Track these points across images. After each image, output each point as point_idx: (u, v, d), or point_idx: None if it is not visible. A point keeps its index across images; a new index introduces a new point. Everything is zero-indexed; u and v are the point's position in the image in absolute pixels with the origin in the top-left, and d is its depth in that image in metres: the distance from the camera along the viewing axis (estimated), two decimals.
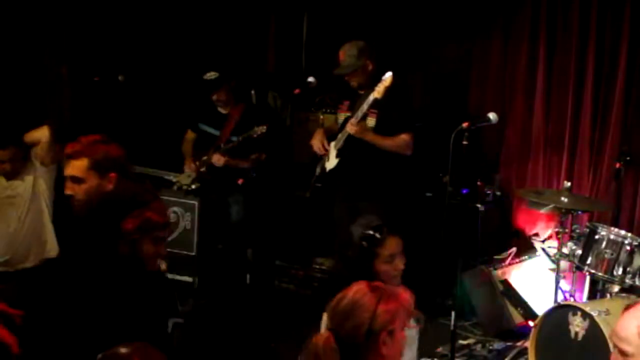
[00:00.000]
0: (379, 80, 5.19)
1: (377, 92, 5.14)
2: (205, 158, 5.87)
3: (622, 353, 2.83)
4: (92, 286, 2.74)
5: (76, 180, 3.30)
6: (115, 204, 2.85)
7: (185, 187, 5.97)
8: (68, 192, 3.34)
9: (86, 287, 2.74)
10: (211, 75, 5.71)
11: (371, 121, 5.35)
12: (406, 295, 2.62)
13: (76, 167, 3.33)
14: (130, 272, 2.80)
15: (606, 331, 4.26)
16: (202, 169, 5.90)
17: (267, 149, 5.80)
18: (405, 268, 3.41)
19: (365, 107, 5.24)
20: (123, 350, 2.20)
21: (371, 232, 3.39)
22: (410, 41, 6.55)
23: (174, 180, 6.09)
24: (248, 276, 6.09)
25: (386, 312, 2.50)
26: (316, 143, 5.63)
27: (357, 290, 2.54)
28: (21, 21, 6.54)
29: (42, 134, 4.76)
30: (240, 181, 5.81)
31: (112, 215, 2.80)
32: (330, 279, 3.62)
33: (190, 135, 6.07)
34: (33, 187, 4.81)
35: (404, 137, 5.35)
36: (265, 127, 5.54)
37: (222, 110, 5.86)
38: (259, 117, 5.79)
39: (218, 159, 5.76)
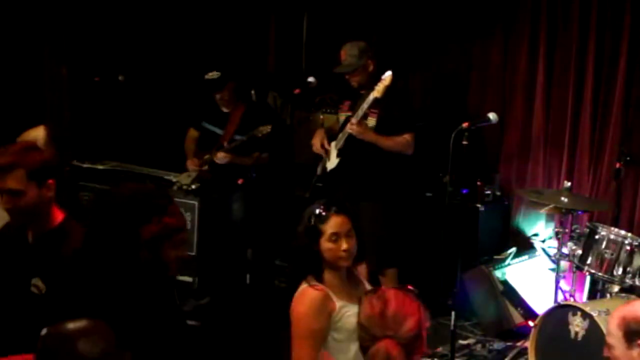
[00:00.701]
0: (379, 80, 5.20)
1: (377, 92, 5.15)
2: (207, 157, 5.87)
3: (607, 345, 3.01)
4: (116, 296, 2.71)
5: (14, 193, 2.98)
6: (133, 212, 2.79)
7: (185, 187, 5.97)
8: (6, 206, 3.04)
9: (110, 297, 2.70)
10: (213, 74, 5.72)
11: (372, 121, 5.35)
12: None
13: (12, 179, 2.98)
14: (154, 279, 2.79)
15: (606, 331, 4.27)
16: (204, 167, 5.90)
17: (270, 148, 5.80)
18: (352, 250, 3.29)
19: (365, 106, 5.24)
20: (70, 326, 2.20)
21: (317, 211, 3.34)
22: (410, 41, 6.55)
23: (174, 180, 6.09)
24: (248, 276, 6.10)
25: (425, 313, 2.60)
26: (317, 143, 5.64)
27: (397, 295, 2.59)
28: (21, 21, 6.54)
29: (37, 133, 4.75)
30: (240, 181, 5.81)
31: (131, 224, 2.75)
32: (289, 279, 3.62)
33: (192, 133, 6.07)
34: None
35: (406, 136, 5.36)
36: (269, 127, 5.56)
37: (225, 109, 5.86)
38: (261, 116, 5.80)
39: (222, 157, 5.76)
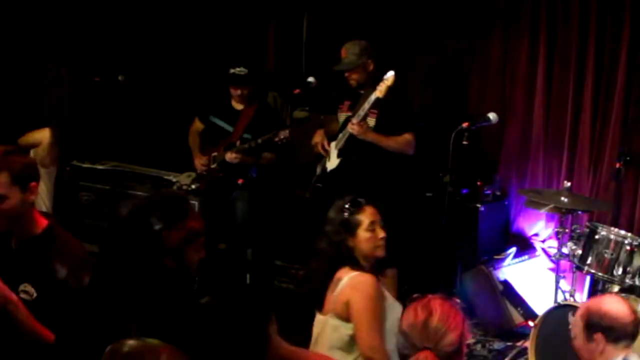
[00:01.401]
0: (378, 80, 5.20)
1: (379, 92, 5.14)
2: (215, 154, 5.81)
3: (572, 334, 3.07)
4: (142, 300, 2.69)
5: None
6: (159, 218, 2.78)
7: (185, 187, 5.96)
8: None
9: (135, 301, 2.69)
10: (241, 70, 5.67)
11: (371, 121, 5.35)
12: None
13: None
14: (179, 284, 2.79)
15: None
16: (213, 165, 5.85)
17: (277, 149, 5.75)
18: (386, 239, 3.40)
19: (366, 106, 5.24)
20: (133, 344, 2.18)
21: (349, 204, 3.40)
22: (410, 41, 6.55)
23: (174, 180, 6.08)
24: (248, 276, 6.09)
25: (468, 327, 2.57)
26: (316, 145, 5.64)
27: (442, 306, 2.54)
28: (21, 22, 6.54)
29: (43, 135, 4.76)
30: (240, 181, 5.80)
31: (157, 230, 2.75)
32: (309, 274, 3.61)
33: (197, 126, 5.97)
34: None
35: (407, 136, 5.36)
36: (288, 132, 5.48)
37: (238, 106, 5.82)
38: (273, 118, 5.77)
39: (234, 157, 5.70)
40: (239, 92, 5.71)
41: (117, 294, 2.71)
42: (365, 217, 3.40)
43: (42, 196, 4.79)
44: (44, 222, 3.07)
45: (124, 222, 2.86)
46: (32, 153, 4.74)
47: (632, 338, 3.27)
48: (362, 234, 3.37)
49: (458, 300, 2.69)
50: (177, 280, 2.76)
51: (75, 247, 3.10)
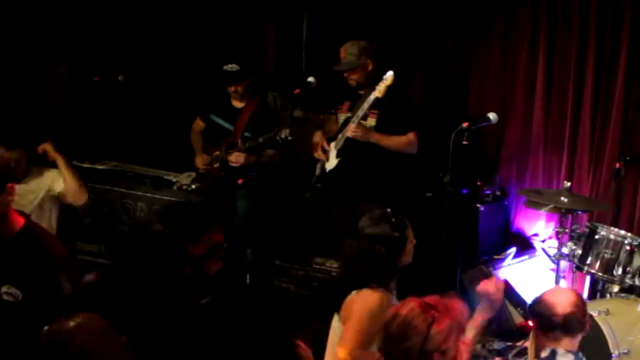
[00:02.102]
0: (377, 80, 5.20)
1: (379, 92, 5.14)
2: (217, 153, 5.79)
3: None
4: (161, 309, 2.73)
5: None
6: (187, 231, 2.84)
7: (185, 187, 5.96)
8: None
9: (154, 311, 2.73)
10: (233, 67, 5.66)
11: (371, 121, 5.35)
12: (459, 307, 2.61)
13: None
14: (195, 292, 2.82)
15: (606, 331, 4.27)
16: (216, 165, 5.84)
17: (280, 147, 5.74)
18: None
19: (366, 106, 5.24)
20: (70, 324, 2.34)
21: (393, 220, 3.37)
22: (410, 41, 6.55)
23: (174, 180, 6.08)
24: (248, 276, 6.09)
25: (439, 333, 2.48)
26: (315, 148, 5.63)
27: (410, 311, 2.51)
28: (21, 21, 6.54)
29: (68, 184, 4.73)
30: (240, 181, 5.79)
31: (182, 242, 2.81)
32: (338, 282, 3.56)
33: (198, 124, 5.96)
34: (40, 204, 4.80)
35: (409, 135, 5.36)
36: (289, 130, 5.44)
37: (237, 104, 5.81)
38: (272, 116, 5.76)
39: (239, 158, 5.67)
40: (233, 89, 5.71)
41: (126, 298, 2.73)
42: (410, 230, 3.40)
43: (52, 222, 4.77)
44: (20, 221, 3.05)
45: (151, 231, 2.89)
46: (60, 197, 4.75)
47: (565, 331, 3.22)
48: (409, 247, 3.39)
49: (433, 302, 2.57)
50: (193, 288, 2.79)
51: (53, 245, 3.08)
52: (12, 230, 3.01)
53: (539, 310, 3.23)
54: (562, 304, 3.23)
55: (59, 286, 2.89)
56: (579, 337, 3.24)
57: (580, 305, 3.25)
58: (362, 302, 3.30)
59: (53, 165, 4.75)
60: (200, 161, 5.87)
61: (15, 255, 2.96)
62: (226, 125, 5.81)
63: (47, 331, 2.36)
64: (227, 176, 5.79)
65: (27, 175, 4.68)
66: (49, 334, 2.35)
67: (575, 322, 3.20)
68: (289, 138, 5.42)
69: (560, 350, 3.19)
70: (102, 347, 2.32)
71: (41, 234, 3.09)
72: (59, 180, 4.70)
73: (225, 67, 5.64)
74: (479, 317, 3.32)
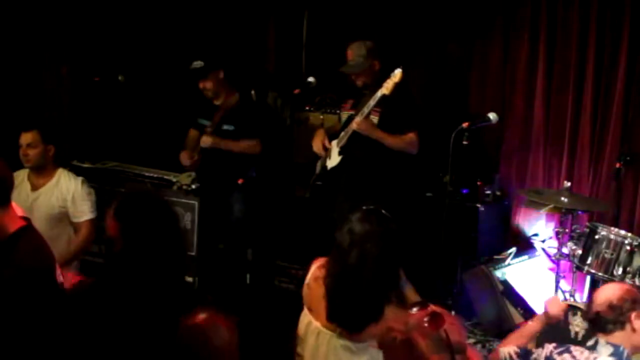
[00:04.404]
0: (383, 79, 5.18)
1: (386, 89, 5.11)
2: (199, 147, 5.79)
3: None
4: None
5: None
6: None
7: (185, 187, 5.96)
8: None
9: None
10: (197, 63, 5.65)
11: (374, 119, 5.34)
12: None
13: None
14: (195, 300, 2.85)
15: None
16: (195, 157, 5.77)
17: (261, 135, 5.66)
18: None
19: (372, 103, 5.21)
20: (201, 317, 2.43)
21: (382, 217, 3.34)
22: (410, 41, 6.55)
23: (174, 180, 6.08)
24: (248, 276, 6.09)
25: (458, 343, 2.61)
26: (316, 143, 5.63)
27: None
28: (21, 21, 6.54)
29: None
30: (240, 181, 5.80)
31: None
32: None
33: (193, 133, 5.96)
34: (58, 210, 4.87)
35: (410, 135, 5.34)
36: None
37: (215, 101, 5.78)
38: (254, 109, 5.72)
39: (206, 140, 5.64)
40: (201, 85, 5.70)
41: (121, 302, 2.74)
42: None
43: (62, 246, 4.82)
44: (15, 227, 3.00)
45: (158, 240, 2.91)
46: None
47: (600, 325, 3.25)
48: None
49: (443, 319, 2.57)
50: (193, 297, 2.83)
51: (33, 254, 2.99)
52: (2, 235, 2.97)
53: (587, 305, 3.32)
54: (602, 298, 3.27)
55: (33, 294, 2.85)
56: (621, 333, 3.25)
57: (619, 303, 3.27)
58: None
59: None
60: (184, 157, 5.85)
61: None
62: (209, 123, 5.79)
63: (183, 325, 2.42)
64: (226, 176, 5.79)
65: (47, 177, 4.92)
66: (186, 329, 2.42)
67: (609, 319, 3.24)
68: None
69: (602, 341, 3.22)
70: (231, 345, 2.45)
71: (26, 240, 3.01)
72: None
73: (191, 66, 5.63)
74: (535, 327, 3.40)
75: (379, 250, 3.14)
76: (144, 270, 2.84)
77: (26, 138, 4.84)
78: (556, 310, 3.41)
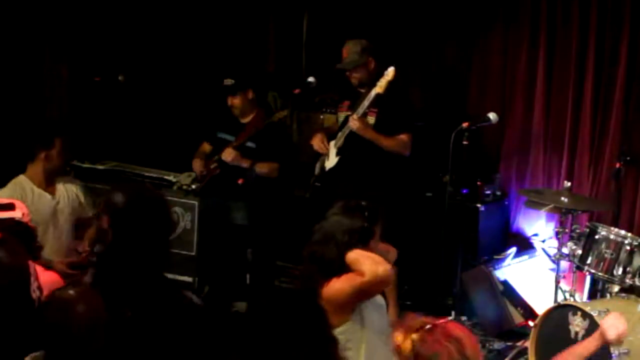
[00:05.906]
0: (379, 78, 5.19)
1: (380, 87, 5.13)
2: (217, 157, 5.77)
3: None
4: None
5: None
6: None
7: (185, 187, 5.95)
8: None
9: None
10: (228, 81, 5.67)
11: (371, 119, 5.35)
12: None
13: None
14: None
15: None
16: (213, 166, 5.77)
17: (281, 159, 5.69)
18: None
19: (366, 103, 5.23)
20: (71, 292, 2.56)
21: (367, 213, 3.32)
22: (410, 41, 6.55)
23: (174, 180, 6.08)
24: (248, 276, 6.09)
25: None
26: (317, 143, 5.63)
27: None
28: (21, 21, 6.54)
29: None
30: (240, 181, 5.78)
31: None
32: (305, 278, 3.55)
33: (205, 147, 5.92)
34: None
35: (403, 137, 5.35)
36: (286, 112, 5.44)
37: (241, 119, 5.78)
38: (281, 134, 5.74)
39: (230, 153, 5.62)
40: (229, 102, 5.70)
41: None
42: (378, 228, 3.35)
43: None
44: None
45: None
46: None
47: None
48: (373, 244, 3.35)
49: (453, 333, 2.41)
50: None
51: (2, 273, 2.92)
52: None
53: None
54: None
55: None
56: None
57: None
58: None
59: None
60: (197, 166, 5.85)
61: None
62: (232, 139, 5.76)
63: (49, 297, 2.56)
64: (227, 176, 5.78)
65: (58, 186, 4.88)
66: (52, 301, 2.54)
67: None
68: (285, 116, 5.44)
69: None
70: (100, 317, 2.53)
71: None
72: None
73: (224, 83, 5.67)
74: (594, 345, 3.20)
75: None
76: (132, 263, 2.85)
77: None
78: (616, 334, 3.14)
